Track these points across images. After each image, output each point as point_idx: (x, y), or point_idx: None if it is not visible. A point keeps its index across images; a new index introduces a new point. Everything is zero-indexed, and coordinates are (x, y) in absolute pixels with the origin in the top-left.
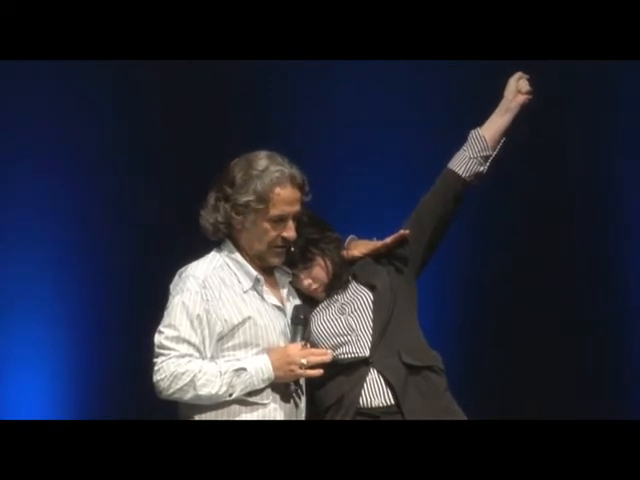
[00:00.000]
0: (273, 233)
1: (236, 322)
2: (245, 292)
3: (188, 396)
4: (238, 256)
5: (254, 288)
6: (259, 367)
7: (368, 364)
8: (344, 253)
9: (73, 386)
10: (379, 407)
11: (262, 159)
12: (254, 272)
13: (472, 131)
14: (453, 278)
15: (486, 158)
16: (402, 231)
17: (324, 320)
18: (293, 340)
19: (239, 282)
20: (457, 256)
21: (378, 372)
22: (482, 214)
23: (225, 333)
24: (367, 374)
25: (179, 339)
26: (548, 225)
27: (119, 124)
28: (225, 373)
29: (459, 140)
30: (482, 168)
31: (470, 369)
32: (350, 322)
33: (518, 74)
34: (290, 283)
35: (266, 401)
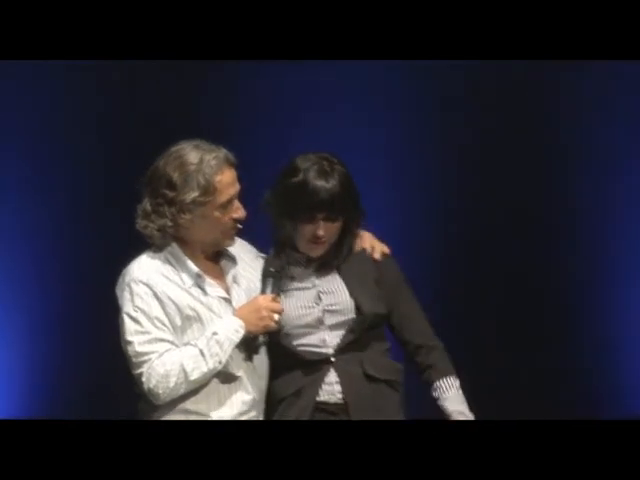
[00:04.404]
0: (225, 218)
1: (188, 315)
2: (189, 288)
3: (183, 388)
4: (178, 252)
5: (196, 284)
6: (227, 322)
7: (329, 363)
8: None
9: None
10: (337, 404)
11: (192, 151)
12: (194, 268)
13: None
14: (452, 278)
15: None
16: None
17: (298, 307)
18: (263, 292)
19: (181, 279)
20: (456, 256)
21: (338, 375)
22: (480, 214)
23: (182, 326)
24: (327, 374)
25: (153, 340)
26: (548, 225)
27: (114, 123)
28: (204, 347)
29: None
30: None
31: (470, 369)
32: (323, 316)
33: None
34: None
35: (238, 374)
